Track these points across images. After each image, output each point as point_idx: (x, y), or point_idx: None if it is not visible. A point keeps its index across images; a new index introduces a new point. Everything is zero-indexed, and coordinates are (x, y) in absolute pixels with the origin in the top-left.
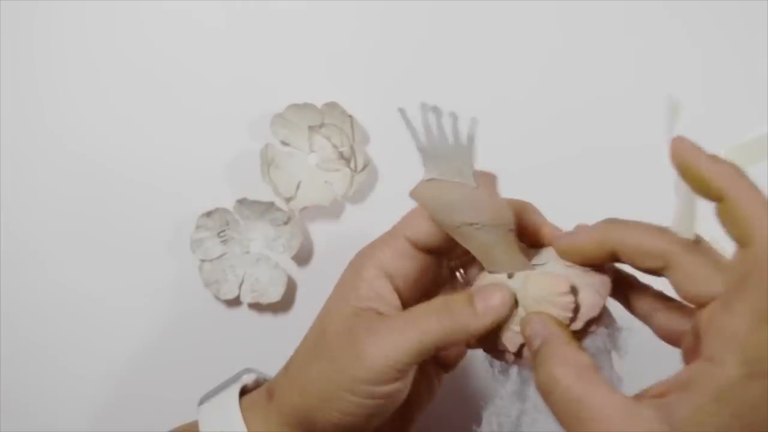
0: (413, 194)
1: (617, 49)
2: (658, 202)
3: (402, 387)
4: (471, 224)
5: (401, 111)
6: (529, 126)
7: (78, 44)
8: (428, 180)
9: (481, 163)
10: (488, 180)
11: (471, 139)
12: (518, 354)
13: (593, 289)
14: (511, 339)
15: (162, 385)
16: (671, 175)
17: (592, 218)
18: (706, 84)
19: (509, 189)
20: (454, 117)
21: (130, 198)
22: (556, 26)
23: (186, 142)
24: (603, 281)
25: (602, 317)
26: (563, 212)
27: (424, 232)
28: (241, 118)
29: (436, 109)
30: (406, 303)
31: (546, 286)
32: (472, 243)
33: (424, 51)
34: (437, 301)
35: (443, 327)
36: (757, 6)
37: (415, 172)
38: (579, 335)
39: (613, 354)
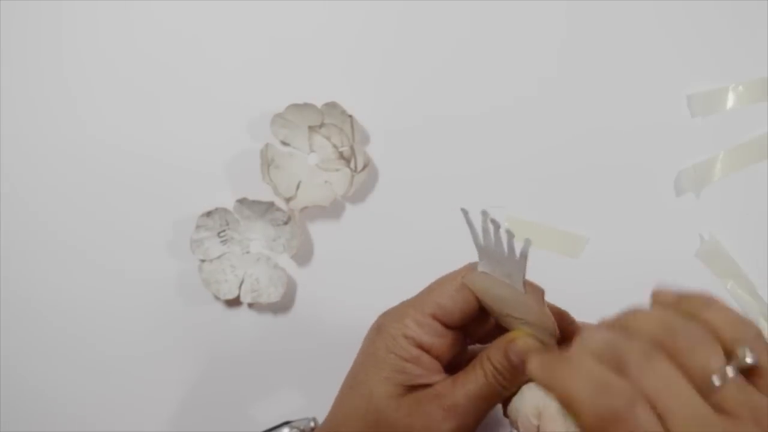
0: (467, 281)
1: (623, 52)
2: (657, 203)
3: None
4: (517, 318)
5: (464, 211)
6: (528, 127)
7: (76, 46)
8: (482, 272)
9: (485, 164)
10: (536, 291)
11: (524, 256)
12: None
13: None
14: (525, 426)
15: (162, 385)
16: (669, 176)
17: (594, 222)
18: (706, 83)
19: (513, 189)
20: (510, 234)
21: (130, 198)
22: (555, 28)
23: (186, 142)
24: None
25: None
26: (566, 215)
27: (451, 312)
28: (241, 118)
29: (494, 222)
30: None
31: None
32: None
33: (425, 51)
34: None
35: (498, 394)
36: (757, 6)
37: (415, 172)
38: None
39: None
